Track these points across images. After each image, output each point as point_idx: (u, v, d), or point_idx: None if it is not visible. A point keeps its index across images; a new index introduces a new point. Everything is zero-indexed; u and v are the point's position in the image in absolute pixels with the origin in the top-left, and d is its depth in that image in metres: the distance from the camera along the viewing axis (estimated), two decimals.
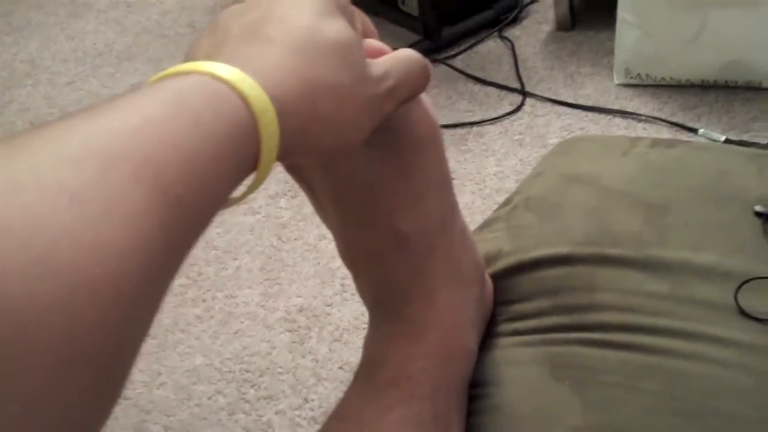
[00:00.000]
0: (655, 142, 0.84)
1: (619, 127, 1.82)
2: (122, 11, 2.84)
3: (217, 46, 0.46)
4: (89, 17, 2.84)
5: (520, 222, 0.79)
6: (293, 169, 0.61)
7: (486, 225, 0.82)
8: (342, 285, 1.56)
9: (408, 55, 0.52)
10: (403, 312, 0.62)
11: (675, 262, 0.68)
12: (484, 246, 0.76)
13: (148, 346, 1.51)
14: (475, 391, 0.67)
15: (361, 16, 0.54)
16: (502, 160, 1.79)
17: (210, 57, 0.44)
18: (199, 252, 1.71)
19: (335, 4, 0.48)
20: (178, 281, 1.64)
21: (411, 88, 0.52)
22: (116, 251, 0.33)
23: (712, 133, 1.74)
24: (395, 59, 0.51)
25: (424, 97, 0.58)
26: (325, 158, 0.54)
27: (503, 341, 0.70)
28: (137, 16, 2.79)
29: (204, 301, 1.59)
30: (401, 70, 0.51)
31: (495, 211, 0.84)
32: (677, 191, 0.75)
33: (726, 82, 1.84)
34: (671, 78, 1.89)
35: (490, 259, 0.75)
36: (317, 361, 1.43)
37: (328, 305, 1.53)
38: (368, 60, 0.49)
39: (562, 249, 0.72)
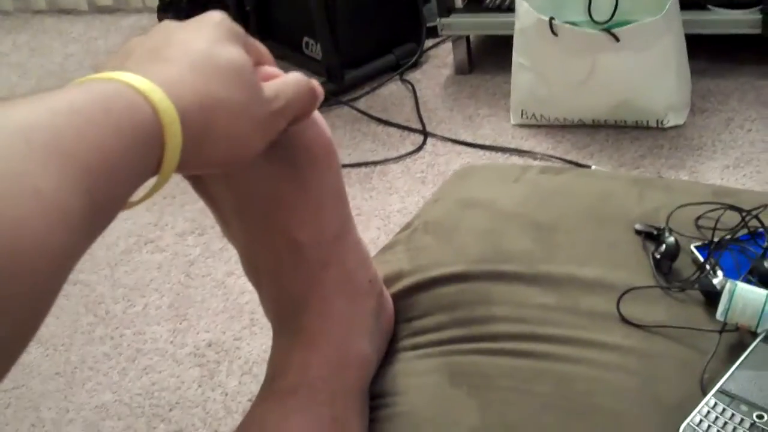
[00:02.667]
0: (545, 170, 0.91)
1: None
2: (25, 55, 2.84)
3: (121, 63, 0.50)
4: None
5: (419, 244, 0.83)
6: (197, 185, 0.65)
7: (387, 248, 0.86)
8: (251, 319, 1.58)
9: (296, 78, 0.57)
10: (299, 322, 0.66)
11: (562, 276, 0.74)
12: (385, 267, 0.81)
13: (56, 383, 1.52)
14: (379, 401, 0.71)
15: (256, 45, 0.58)
16: (405, 197, 1.85)
17: (116, 70, 0.48)
18: (106, 290, 1.72)
19: (231, 33, 0.53)
20: (86, 319, 1.65)
21: (300, 106, 0.57)
22: (28, 225, 0.37)
23: (603, 170, 1.82)
24: (285, 82, 0.56)
25: (319, 117, 0.63)
26: (220, 169, 0.57)
27: (405, 355, 0.74)
28: (41, 59, 2.79)
29: (112, 338, 1.60)
30: (290, 91, 0.56)
31: (396, 234, 0.89)
32: (565, 212, 0.81)
33: (615, 121, 1.94)
34: (564, 118, 1.97)
35: (391, 279, 0.80)
36: (227, 394, 1.45)
37: (237, 339, 1.55)
38: (261, 83, 0.54)
39: (459, 267, 0.77)
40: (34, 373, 1.55)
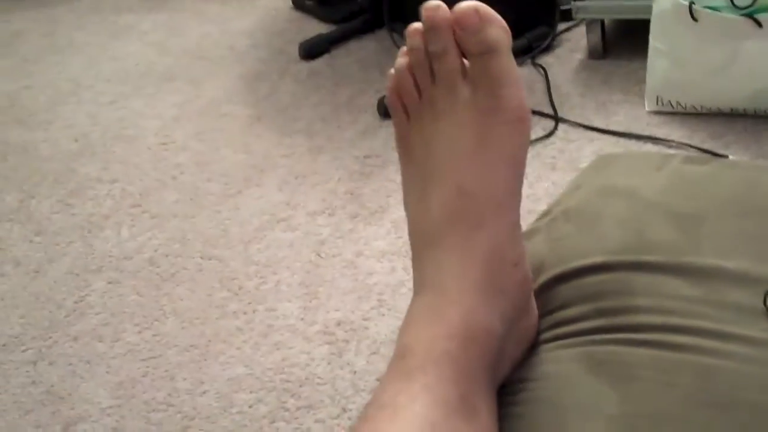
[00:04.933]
0: (688, 159, 0.89)
1: None
2: (164, 34, 2.92)
3: None
4: (131, 38, 2.92)
5: (559, 233, 0.83)
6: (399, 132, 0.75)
7: (526, 236, 0.87)
8: (379, 300, 1.60)
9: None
10: (433, 280, 0.68)
11: (708, 268, 0.73)
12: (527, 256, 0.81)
13: (191, 355, 1.57)
14: (516, 386, 0.72)
15: None
16: (534, 183, 1.84)
17: None
18: (239, 266, 1.76)
19: None
20: (220, 294, 1.69)
21: None
22: None
23: (744, 159, 1.78)
24: None
25: (520, 82, 0.69)
26: None
27: (545, 347, 0.74)
28: (178, 38, 2.87)
29: (245, 313, 1.64)
30: None
31: (534, 222, 0.89)
32: (710, 203, 0.80)
33: (755, 111, 1.88)
34: (701, 106, 1.93)
35: (534, 271, 0.80)
36: (355, 372, 1.47)
37: (366, 319, 1.57)
38: None
39: (600, 258, 0.77)
40: (170, 344, 1.60)
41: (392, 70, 0.74)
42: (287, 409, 1.43)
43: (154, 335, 1.63)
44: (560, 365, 0.71)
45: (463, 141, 0.69)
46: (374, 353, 1.50)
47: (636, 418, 0.64)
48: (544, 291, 0.78)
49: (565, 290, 0.77)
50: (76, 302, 1.75)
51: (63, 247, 1.92)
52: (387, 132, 2.12)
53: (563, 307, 0.76)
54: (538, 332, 0.76)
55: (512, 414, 0.69)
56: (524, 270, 0.73)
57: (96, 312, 1.72)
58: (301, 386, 1.47)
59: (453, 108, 0.70)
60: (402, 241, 1.73)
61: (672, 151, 1.86)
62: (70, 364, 1.60)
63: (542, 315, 0.77)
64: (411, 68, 0.72)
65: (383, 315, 1.57)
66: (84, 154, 2.28)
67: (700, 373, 0.65)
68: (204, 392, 1.49)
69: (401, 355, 0.67)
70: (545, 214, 0.89)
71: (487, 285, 0.68)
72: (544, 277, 0.79)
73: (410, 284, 0.72)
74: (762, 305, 0.69)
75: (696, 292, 0.71)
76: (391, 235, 1.77)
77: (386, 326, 1.55)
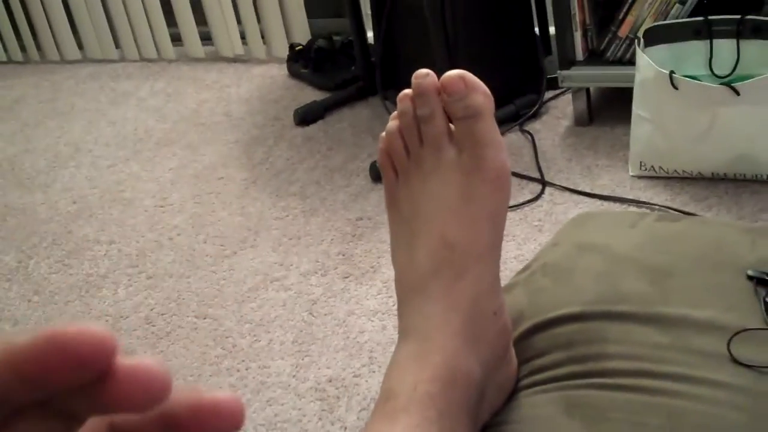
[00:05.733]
0: (661, 217, 0.95)
1: None
2: (162, 100, 2.99)
3: None
4: (130, 104, 2.99)
5: (537, 286, 0.88)
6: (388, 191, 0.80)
7: (507, 289, 0.91)
8: (370, 358, 1.64)
9: None
10: (417, 326, 0.73)
11: (676, 317, 0.78)
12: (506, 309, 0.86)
13: None
14: (497, 428, 0.76)
15: None
16: (522, 244, 1.89)
17: None
18: (233, 325, 1.80)
19: None
20: (214, 352, 1.73)
21: None
22: None
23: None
24: None
25: (501, 142, 0.74)
26: None
27: (524, 392, 0.79)
28: (175, 104, 2.94)
29: (238, 371, 1.68)
30: None
31: (514, 276, 0.94)
32: (679, 258, 0.85)
33: (735, 175, 1.94)
34: (683, 170, 1.99)
35: (513, 321, 0.85)
36: (346, 428, 1.51)
37: (356, 376, 1.61)
38: None
39: (576, 308, 0.82)
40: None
41: (383, 133, 0.80)
42: None
43: None
44: (537, 409, 0.75)
45: (447, 197, 0.74)
46: (364, 409, 1.53)
47: None
48: (522, 340, 0.82)
49: (542, 339, 0.81)
50: None
51: (61, 306, 1.96)
52: (378, 195, 2.17)
53: (540, 355, 0.80)
54: (518, 379, 0.80)
55: None
56: (504, 320, 0.77)
57: None
58: None
59: (439, 167, 0.75)
60: (392, 300, 1.78)
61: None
62: None
63: (521, 363, 0.81)
64: (401, 131, 0.78)
65: (374, 372, 1.61)
66: (82, 216, 2.33)
67: (670, 414, 0.70)
68: None
69: (385, 398, 0.71)
70: (525, 269, 0.93)
71: (469, 333, 0.73)
72: (522, 327, 0.83)
73: None
74: (726, 351, 0.73)
75: (664, 339, 0.76)
76: (381, 294, 1.82)
77: (377, 383, 1.59)
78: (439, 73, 0.74)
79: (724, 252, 0.86)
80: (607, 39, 2.24)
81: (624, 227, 0.93)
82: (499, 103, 2.48)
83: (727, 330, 0.75)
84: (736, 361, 0.73)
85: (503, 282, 0.79)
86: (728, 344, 0.73)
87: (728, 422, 0.68)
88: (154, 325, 1.85)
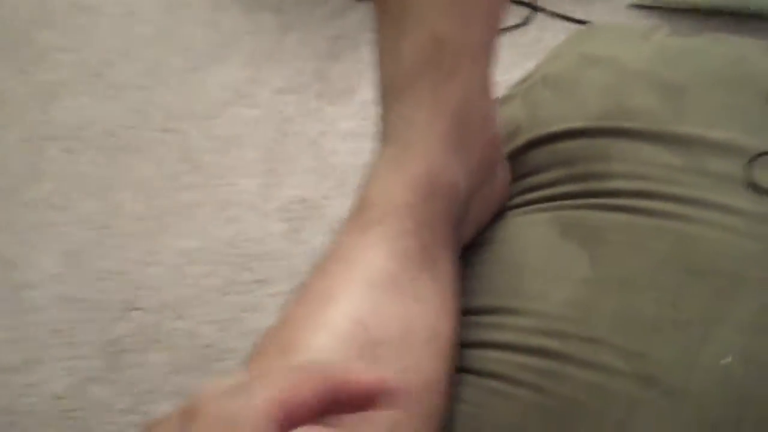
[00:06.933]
0: (674, 32, 0.85)
1: None
2: None
3: None
4: None
5: (537, 98, 0.80)
6: None
7: (503, 101, 0.83)
8: (341, 180, 1.57)
9: None
10: (398, 132, 0.64)
11: (690, 137, 0.70)
12: (502, 120, 0.77)
13: (145, 226, 1.53)
14: (483, 247, 0.69)
15: None
16: (509, 69, 1.79)
17: None
18: (200, 141, 1.71)
19: None
20: (177, 167, 1.65)
21: None
22: None
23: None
24: None
25: None
26: None
27: (515, 210, 0.71)
28: None
29: (203, 187, 1.60)
30: None
31: (513, 87, 0.85)
32: (695, 74, 0.76)
33: (732, 9, 1.85)
34: (682, 1, 1.89)
35: (509, 135, 0.77)
36: (312, 250, 1.44)
37: (325, 198, 1.54)
38: None
39: (579, 123, 0.74)
40: (123, 215, 1.56)
41: None
42: (240, 282, 1.40)
43: (107, 205, 1.59)
44: (527, 228, 0.68)
45: None
46: (332, 231, 1.47)
47: (605, 280, 0.62)
48: (517, 155, 0.74)
49: (539, 155, 0.73)
50: (28, 169, 1.70)
51: (19, 115, 1.86)
52: (360, 13, 2.05)
53: (536, 171, 0.73)
54: (510, 197, 0.73)
55: (473, 274, 0.66)
56: (493, 127, 0.69)
57: (49, 179, 1.66)
58: (255, 261, 1.44)
59: None
60: (369, 123, 1.69)
61: None
62: (21, 231, 1.55)
63: (515, 179, 0.73)
64: None
65: (344, 195, 1.54)
66: (44, 22, 2.20)
67: (677, 239, 0.63)
68: (155, 263, 1.46)
69: (360, 207, 0.63)
70: (523, 80, 0.85)
71: (454, 139, 0.64)
72: (518, 141, 0.75)
73: None
74: (743, 175, 0.66)
75: (676, 160, 0.68)
76: (358, 116, 1.72)
77: (347, 206, 1.51)
78: None
79: (744, 71, 0.77)
80: None
81: (634, 39, 0.84)
82: None
83: (746, 153, 0.67)
84: (753, 185, 0.65)
85: (499, 95, 0.70)
86: (747, 168, 0.66)
87: (744, 252, 0.61)
88: (117, 137, 1.75)
